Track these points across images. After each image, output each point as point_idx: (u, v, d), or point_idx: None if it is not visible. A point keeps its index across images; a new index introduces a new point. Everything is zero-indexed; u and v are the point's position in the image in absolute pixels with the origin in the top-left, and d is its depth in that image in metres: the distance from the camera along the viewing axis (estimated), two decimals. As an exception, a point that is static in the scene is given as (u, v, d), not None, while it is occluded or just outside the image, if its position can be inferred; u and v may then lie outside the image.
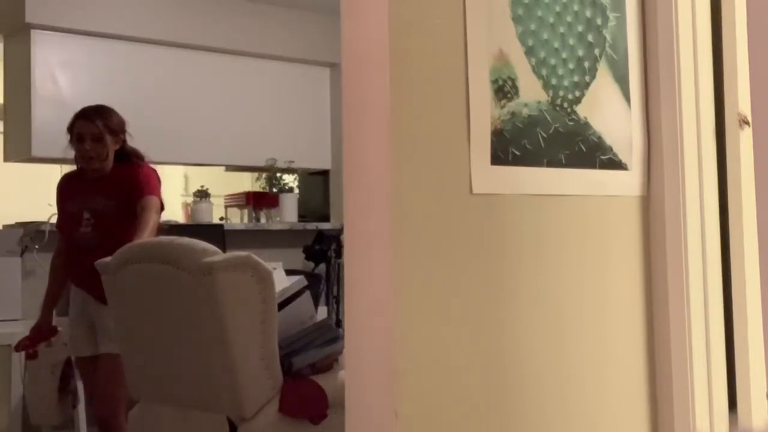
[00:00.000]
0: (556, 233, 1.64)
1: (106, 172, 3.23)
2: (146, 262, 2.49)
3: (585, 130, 1.71)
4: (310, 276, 3.35)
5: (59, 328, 3.38)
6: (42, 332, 3.34)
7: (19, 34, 4.91)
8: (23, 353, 3.37)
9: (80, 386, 3.46)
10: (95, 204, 3.17)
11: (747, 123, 1.74)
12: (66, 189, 3.34)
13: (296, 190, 6.07)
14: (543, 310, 1.61)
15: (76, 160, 3.29)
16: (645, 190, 1.81)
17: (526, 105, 1.61)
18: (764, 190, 1.51)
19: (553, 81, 1.66)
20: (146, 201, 3.10)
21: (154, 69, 5.30)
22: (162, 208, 3.20)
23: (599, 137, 1.73)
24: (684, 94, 1.76)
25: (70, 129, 3.23)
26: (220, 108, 5.54)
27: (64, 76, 4.94)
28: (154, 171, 3.28)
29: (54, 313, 3.42)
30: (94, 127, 3.18)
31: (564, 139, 1.67)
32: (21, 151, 4.93)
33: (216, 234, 4.79)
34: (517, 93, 1.59)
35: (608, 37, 1.76)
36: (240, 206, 5.90)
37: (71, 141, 3.23)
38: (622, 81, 1.78)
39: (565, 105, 1.67)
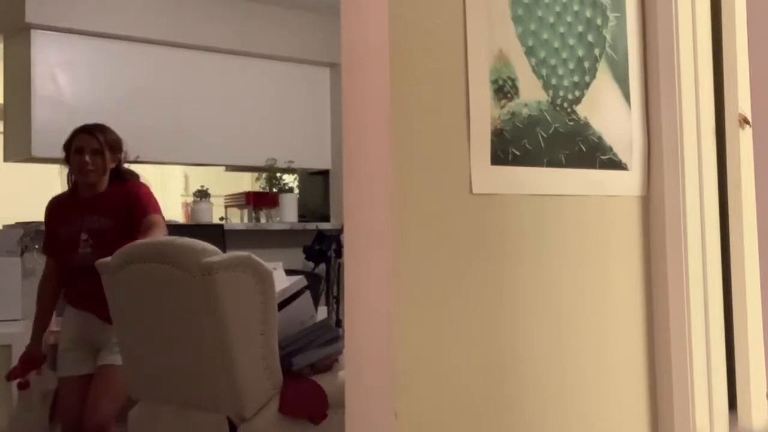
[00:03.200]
0: (555, 233, 1.64)
1: (100, 191, 3.18)
2: (146, 262, 2.49)
3: (585, 130, 1.71)
4: (310, 276, 3.35)
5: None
6: (33, 360, 3.22)
7: (19, 34, 4.91)
8: (16, 383, 3.28)
9: None
10: (92, 223, 3.12)
11: (747, 123, 1.74)
12: (58, 211, 3.24)
13: (296, 190, 6.07)
14: (543, 309, 1.61)
15: (68, 177, 3.23)
16: (645, 190, 1.81)
17: (526, 105, 1.61)
18: (764, 190, 1.51)
19: (553, 81, 1.66)
20: (153, 219, 3.06)
21: (155, 69, 5.30)
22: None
23: (599, 137, 1.73)
24: (684, 94, 1.76)
25: (68, 144, 3.18)
26: (220, 108, 5.55)
27: (64, 76, 4.94)
28: (151, 190, 3.24)
29: (53, 316, 3.38)
30: (94, 141, 3.15)
31: (564, 139, 1.67)
32: (21, 151, 4.94)
33: (216, 234, 4.79)
34: (517, 93, 1.59)
35: (608, 37, 1.76)
36: (240, 206, 5.90)
37: (67, 157, 3.18)
38: (622, 81, 1.78)
39: (565, 105, 1.67)
